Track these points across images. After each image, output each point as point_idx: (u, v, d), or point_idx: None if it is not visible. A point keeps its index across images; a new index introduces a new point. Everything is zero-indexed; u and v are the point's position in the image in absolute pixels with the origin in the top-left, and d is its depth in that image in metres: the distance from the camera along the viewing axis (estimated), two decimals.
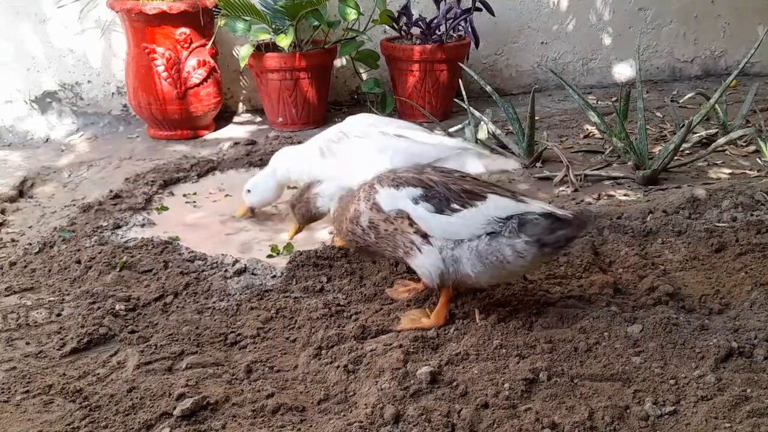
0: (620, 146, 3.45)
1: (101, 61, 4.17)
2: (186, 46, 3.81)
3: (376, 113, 4.23)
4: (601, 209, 2.84)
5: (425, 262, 1.98)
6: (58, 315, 2.23)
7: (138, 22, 3.74)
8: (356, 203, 2.08)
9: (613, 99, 4.44)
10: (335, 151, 2.67)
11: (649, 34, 4.91)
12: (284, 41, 3.73)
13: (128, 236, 2.73)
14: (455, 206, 1.93)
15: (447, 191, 1.94)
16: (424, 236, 1.96)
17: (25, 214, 3.06)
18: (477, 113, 3.62)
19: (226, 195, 3.16)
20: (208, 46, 3.93)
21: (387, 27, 4.26)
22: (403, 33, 4.21)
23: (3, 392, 1.86)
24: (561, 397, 1.77)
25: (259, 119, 4.30)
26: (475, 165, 2.59)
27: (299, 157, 2.78)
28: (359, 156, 2.62)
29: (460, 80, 3.90)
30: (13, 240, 2.79)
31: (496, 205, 1.92)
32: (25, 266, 2.53)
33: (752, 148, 3.61)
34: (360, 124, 2.72)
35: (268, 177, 2.83)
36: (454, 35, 4.19)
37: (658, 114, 4.23)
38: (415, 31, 4.19)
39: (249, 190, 2.84)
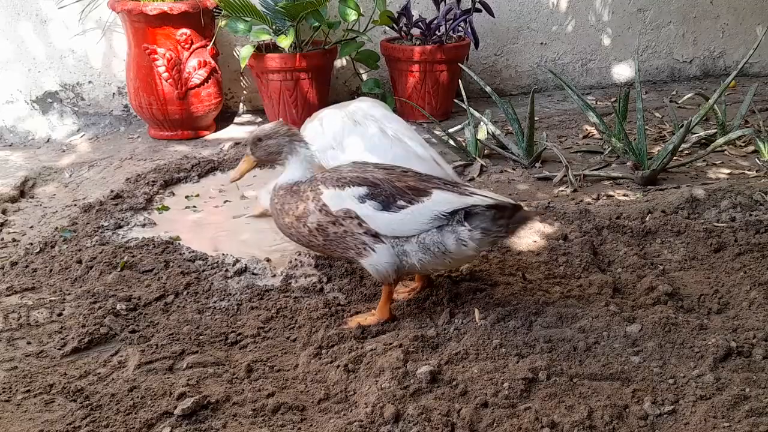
0: (619, 146, 3.45)
1: (102, 62, 4.18)
2: (187, 46, 3.82)
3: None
4: (601, 209, 2.85)
5: (381, 261, 2.01)
6: (59, 315, 2.24)
7: (139, 23, 3.75)
8: (305, 202, 2.05)
9: (612, 99, 4.45)
10: (345, 145, 2.61)
11: (648, 35, 4.91)
12: (285, 42, 3.74)
13: (129, 236, 2.74)
14: (401, 203, 1.96)
15: (392, 188, 1.97)
16: (375, 235, 1.98)
17: (26, 214, 3.07)
18: (476, 113, 3.63)
19: (225, 201, 3.14)
20: (209, 47, 3.93)
21: (387, 28, 4.26)
22: (403, 34, 4.21)
23: (4, 392, 1.86)
24: (560, 397, 1.77)
25: (259, 119, 4.31)
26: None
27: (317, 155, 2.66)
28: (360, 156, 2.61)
29: (459, 81, 3.90)
30: (14, 240, 2.80)
31: (441, 200, 1.96)
32: (27, 266, 2.54)
33: (751, 148, 3.62)
34: (368, 117, 2.62)
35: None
36: (454, 36, 4.20)
37: (657, 114, 4.24)
38: (415, 31, 4.20)
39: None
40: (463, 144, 3.54)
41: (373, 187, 1.98)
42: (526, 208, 2.04)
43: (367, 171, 2.03)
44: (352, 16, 3.89)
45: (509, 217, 2.00)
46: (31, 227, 2.93)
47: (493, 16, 4.26)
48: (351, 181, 2.00)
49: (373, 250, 2.00)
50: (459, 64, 3.97)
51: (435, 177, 2.08)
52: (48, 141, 4.11)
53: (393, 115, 2.72)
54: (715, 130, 3.63)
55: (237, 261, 2.50)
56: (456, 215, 1.97)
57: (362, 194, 1.98)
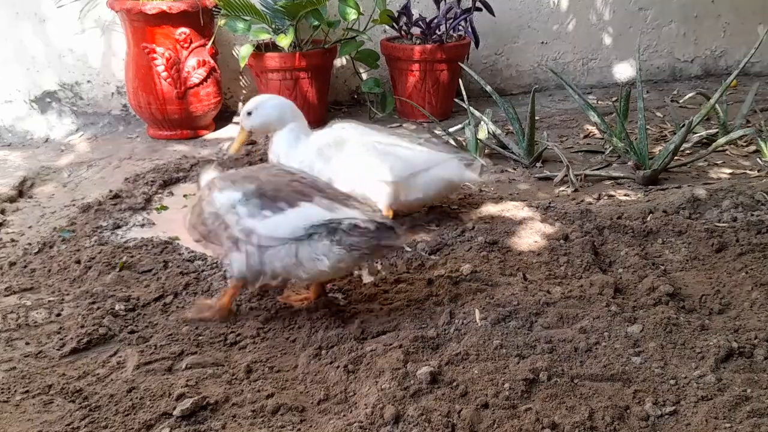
0: (620, 146, 3.45)
1: (101, 61, 4.17)
2: (186, 45, 3.81)
3: (376, 113, 4.23)
4: (602, 209, 2.84)
5: (235, 263, 2.06)
6: (58, 315, 2.23)
7: (138, 22, 3.74)
8: (202, 200, 2.12)
9: (614, 99, 4.44)
10: (329, 155, 2.65)
11: (650, 34, 4.91)
12: (284, 41, 3.73)
13: (128, 236, 2.73)
14: (275, 208, 1.99)
15: (273, 193, 2.01)
16: (247, 235, 2.03)
17: (24, 214, 3.06)
18: (477, 113, 3.62)
19: None
20: (208, 46, 3.93)
21: (387, 27, 4.26)
22: (403, 33, 4.21)
23: (3, 392, 1.86)
24: (561, 397, 1.77)
25: None
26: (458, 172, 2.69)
27: (294, 153, 2.68)
28: (358, 162, 2.62)
29: (460, 80, 3.90)
30: (12, 240, 2.79)
31: (310, 212, 1.98)
32: (25, 266, 2.53)
33: (752, 147, 3.61)
34: (353, 132, 2.70)
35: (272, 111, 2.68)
36: (454, 35, 4.19)
37: (659, 114, 4.23)
38: (415, 31, 4.19)
39: (249, 113, 2.66)
40: (464, 144, 3.53)
41: (256, 189, 2.03)
42: (398, 231, 2.02)
43: (261, 173, 2.08)
44: (352, 15, 3.89)
45: (378, 237, 1.99)
46: (30, 227, 2.92)
47: (494, 15, 4.25)
48: (237, 181, 2.07)
49: (237, 248, 2.05)
50: (459, 64, 3.96)
51: (327, 189, 2.08)
52: (47, 141, 4.10)
53: (374, 128, 2.78)
54: (717, 130, 3.62)
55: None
56: (323, 228, 1.98)
57: (243, 195, 2.03)
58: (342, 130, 2.73)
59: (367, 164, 2.62)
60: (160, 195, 3.15)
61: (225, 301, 2.16)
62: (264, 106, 2.65)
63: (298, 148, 2.65)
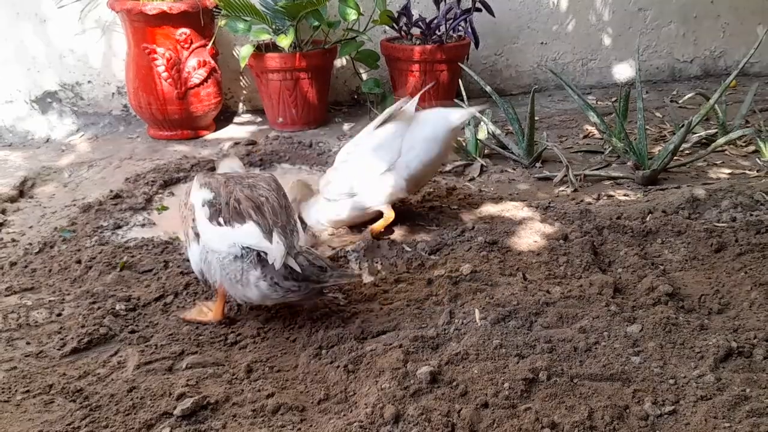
0: (620, 146, 3.45)
1: (101, 62, 4.18)
2: (186, 46, 3.81)
3: (376, 113, 4.23)
4: (601, 209, 2.84)
5: (191, 256, 2.15)
6: (59, 315, 2.23)
7: (138, 23, 3.74)
8: (186, 195, 2.22)
9: (613, 99, 4.44)
10: (339, 168, 2.72)
11: (649, 35, 4.91)
12: (284, 41, 3.73)
13: (129, 236, 2.74)
14: (220, 220, 2.03)
15: (225, 205, 2.03)
16: (197, 234, 2.10)
17: (25, 214, 3.06)
18: (477, 113, 3.62)
19: None
20: (209, 47, 3.93)
21: (387, 27, 4.26)
22: (403, 33, 4.21)
23: (3, 392, 1.86)
24: (560, 397, 1.77)
25: (259, 119, 4.31)
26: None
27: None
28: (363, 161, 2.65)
29: (460, 80, 3.90)
30: (13, 240, 2.79)
31: (244, 233, 1.98)
32: (26, 266, 2.53)
33: (752, 148, 3.62)
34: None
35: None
36: (454, 35, 4.20)
37: (658, 114, 4.24)
38: (415, 31, 4.20)
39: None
40: (463, 144, 3.54)
41: (216, 197, 2.07)
42: (329, 283, 2.02)
43: (230, 180, 2.12)
44: (352, 15, 3.89)
45: (300, 280, 1.97)
46: (31, 227, 2.93)
47: (494, 16, 4.26)
48: (209, 183, 2.12)
49: (190, 245, 2.14)
50: (459, 64, 3.97)
51: (277, 214, 2.04)
52: (47, 141, 4.10)
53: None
54: (716, 130, 3.63)
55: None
56: (252, 253, 1.98)
57: (207, 199, 2.08)
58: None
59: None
60: (160, 195, 3.16)
61: (218, 307, 2.18)
62: None
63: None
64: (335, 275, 2.03)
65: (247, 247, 1.98)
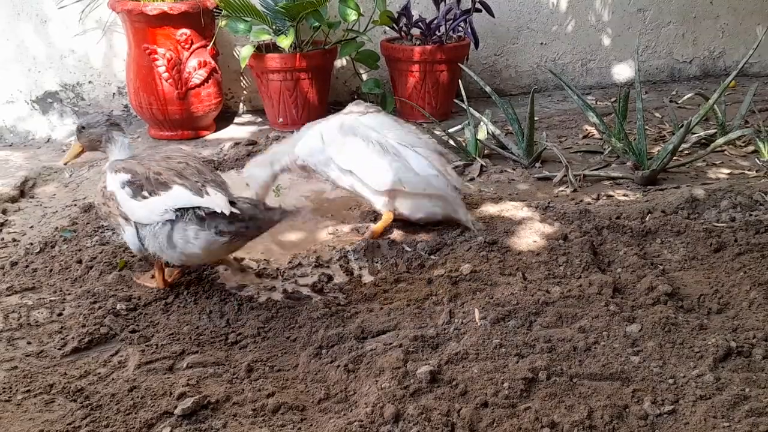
0: (619, 146, 3.45)
1: (102, 62, 4.18)
2: (187, 46, 3.82)
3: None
4: (600, 209, 2.85)
5: (129, 241, 2.24)
6: (60, 314, 2.24)
7: (139, 23, 3.75)
8: (102, 182, 2.29)
9: (612, 99, 4.45)
10: (333, 139, 2.63)
11: (648, 35, 4.92)
12: (285, 42, 3.74)
13: None
14: (145, 194, 2.13)
15: (145, 180, 2.14)
16: (126, 218, 2.19)
17: (26, 214, 3.07)
18: (476, 114, 3.63)
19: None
20: (209, 47, 3.93)
21: (387, 28, 4.27)
22: (402, 34, 4.21)
23: (4, 392, 1.86)
24: (560, 397, 1.78)
25: (259, 120, 4.31)
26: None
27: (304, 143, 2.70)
28: (362, 157, 2.61)
29: (459, 81, 3.91)
30: (14, 240, 2.80)
31: (174, 196, 2.11)
32: (27, 266, 2.54)
33: (751, 148, 3.62)
34: (362, 126, 2.66)
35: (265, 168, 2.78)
36: (454, 36, 4.20)
37: (657, 114, 4.24)
38: (415, 31, 4.20)
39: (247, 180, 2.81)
40: (463, 144, 3.54)
41: (134, 175, 2.17)
42: (265, 213, 2.14)
43: (144, 161, 2.22)
44: (352, 16, 3.89)
45: (247, 219, 2.11)
46: (32, 227, 2.93)
47: (493, 16, 4.26)
48: (123, 167, 2.22)
49: (124, 230, 2.23)
50: (459, 64, 3.97)
51: (206, 174, 2.19)
52: (48, 141, 4.11)
53: (390, 121, 2.72)
54: (715, 130, 3.63)
55: (236, 260, 2.50)
56: (188, 212, 2.10)
57: (125, 181, 2.18)
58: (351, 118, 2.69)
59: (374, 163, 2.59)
60: None
61: (158, 276, 2.32)
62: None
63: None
64: (278, 211, 2.17)
65: (181, 209, 2.10)
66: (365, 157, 2.58)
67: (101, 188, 2.28)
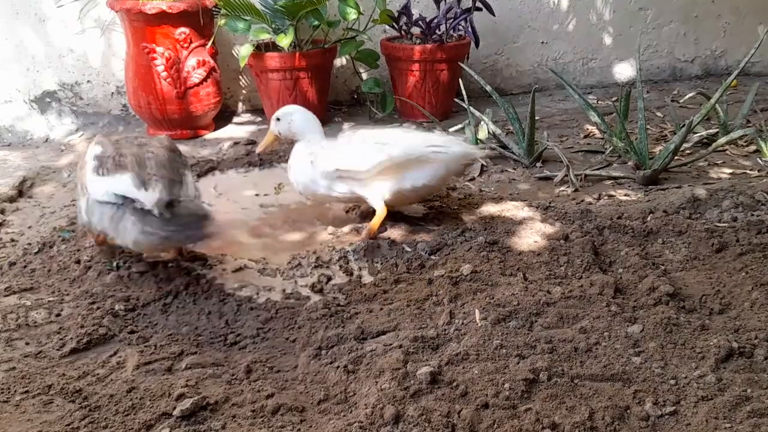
0: (620, 146, 3.45)
1: (101, 61, 4.17)
2: (186, 45, 3.81)
3: (376, 113, 4.23)
4: (602, 209, 2.84)
5: (79, 208, 2.34)
6: (58, 315, 2.23)
7: (137, 22, 3.74)
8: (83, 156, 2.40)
9: (614, 99, 4.44)
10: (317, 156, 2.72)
11: (650, 34, 4.91)
12: (284, 41, 3.73)
13: None
14: (101, 171, 2.21)
15: (110, 158, 2.22)
16: (87, 186, 2.27)
17: (24, 214, 3.06)
18: (477, 113, 3.62)
19: (222, 198, 3.15)
20: (208, 46, 3.92)
21: (387, 27, 4.26)
22: (403, 33, 4.21)
23: (2, 392, 1.86)
24: (561, 398, 1.77)
25: (259, 119, 4.30)
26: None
27: (301, 166, 2.77)
28: (345, 151, 2.68)
29: (460, 80, 3.90)
30: (12, 240, 2.79)
31: (116, 181, 2.17)
32: (25, 266, 2.53)
33: (753, 147, 3.61)
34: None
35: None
36: (454, 35, 4.19)
37: (659, 114, 4.23)
38: (415, 30, 4.19)
39: (278, 119, 2.80)
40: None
41: (104, 151, 2.26)
42: (193, 228, 2.15)
43: (120, 141, 2.32)
44: (352, 15, 3.89)
45: (169, 229, 2.13)
46: (30, 227, 2.92)
47: (494, 15, 4.25)
48: (100, 141, 2.33)
49: (80, 199, 2.34)
50: (459, 63, 3.96)
51: (163, 168, 2.21)
52: (46, 141, 4.10)
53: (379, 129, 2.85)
54: (717, 130, 3.62)
55: (236, 261, 2.49)
56: (127, 201, 2.15)
57: (95, 153, 2.28)
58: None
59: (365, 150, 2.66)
60: None
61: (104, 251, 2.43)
62: (291, 116, 2.80)
63: (306, 160, 2.75)
64: (206, 229, 2.19)
65: (122, 196, 2.15)
66: (348, 149, 2.67)
67: (83, 154, 2.39)
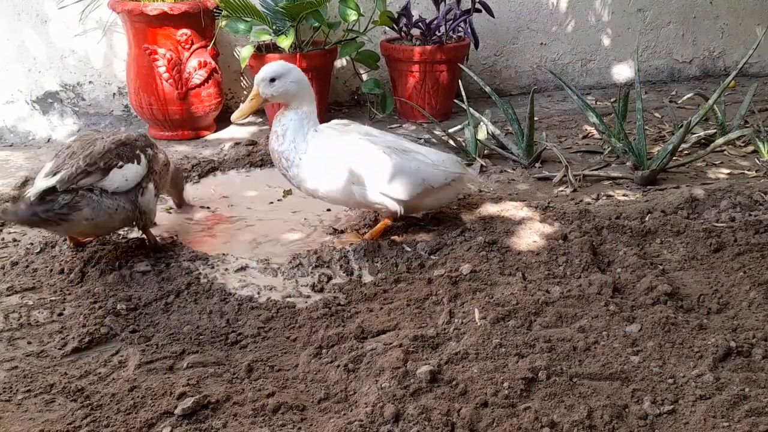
0: (619, 147, 3.46)
1: (102, 62, 4.19)
2: (187, 46, 3.82)
3: (376, 114, 4.24)
4: (600, 209, 2.85)
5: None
6: (60, 314, 2.24)
7: (139, 23, 3.75)
8: None
9: (612, 100, 4.45)
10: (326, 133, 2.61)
11: (648, 35, 4.92)
12: (285, 42, 3.74)
13: (130, 236, 2.74)
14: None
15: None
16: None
17: None
18: (476, 114, 3.63)
19: (223, 197, 3.16)
20: (209, 47, 3.94)
21: (387, 28, 4.27)
22: (403, 34, 4.22)
23: (5, 391, 1.87)
24: (560, 396, 1.78)
25: (259, 120, 4.31)
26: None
27: (300, 142, 2.57)
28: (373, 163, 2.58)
29: (459, 81, 3.91)
30: (14, 240, 2.80)
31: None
32: (27, 266, 2.54)
33: (750, 148, 3.62)
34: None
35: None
36: (454, 36, 4.21)
37: (657, 114, 4.24)
38: (415, 32, 4.20)
39: (273, 80, 2.49)
40: (463, 144, 3.55)
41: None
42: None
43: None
44: (353, 16, 3.90)
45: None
46: None
47: (493, 17, 4.26)
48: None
49: None
50: (459, 65, 3.97)
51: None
52: (48, 141, 4.11)
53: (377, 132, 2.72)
54: (715, 130, 3.63)
55: (237, 260, 2.50)
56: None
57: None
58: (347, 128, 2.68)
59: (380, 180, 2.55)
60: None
61: None
62: (290, 76, 2.50)
63: (306, 140, 2.55)
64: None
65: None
66: (376, 162, 2.53)
67: None
